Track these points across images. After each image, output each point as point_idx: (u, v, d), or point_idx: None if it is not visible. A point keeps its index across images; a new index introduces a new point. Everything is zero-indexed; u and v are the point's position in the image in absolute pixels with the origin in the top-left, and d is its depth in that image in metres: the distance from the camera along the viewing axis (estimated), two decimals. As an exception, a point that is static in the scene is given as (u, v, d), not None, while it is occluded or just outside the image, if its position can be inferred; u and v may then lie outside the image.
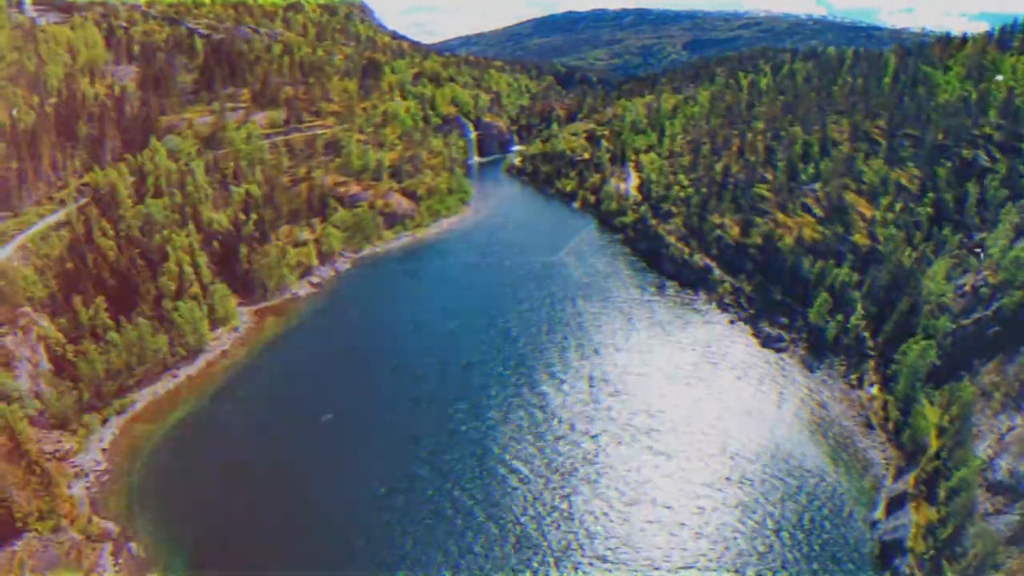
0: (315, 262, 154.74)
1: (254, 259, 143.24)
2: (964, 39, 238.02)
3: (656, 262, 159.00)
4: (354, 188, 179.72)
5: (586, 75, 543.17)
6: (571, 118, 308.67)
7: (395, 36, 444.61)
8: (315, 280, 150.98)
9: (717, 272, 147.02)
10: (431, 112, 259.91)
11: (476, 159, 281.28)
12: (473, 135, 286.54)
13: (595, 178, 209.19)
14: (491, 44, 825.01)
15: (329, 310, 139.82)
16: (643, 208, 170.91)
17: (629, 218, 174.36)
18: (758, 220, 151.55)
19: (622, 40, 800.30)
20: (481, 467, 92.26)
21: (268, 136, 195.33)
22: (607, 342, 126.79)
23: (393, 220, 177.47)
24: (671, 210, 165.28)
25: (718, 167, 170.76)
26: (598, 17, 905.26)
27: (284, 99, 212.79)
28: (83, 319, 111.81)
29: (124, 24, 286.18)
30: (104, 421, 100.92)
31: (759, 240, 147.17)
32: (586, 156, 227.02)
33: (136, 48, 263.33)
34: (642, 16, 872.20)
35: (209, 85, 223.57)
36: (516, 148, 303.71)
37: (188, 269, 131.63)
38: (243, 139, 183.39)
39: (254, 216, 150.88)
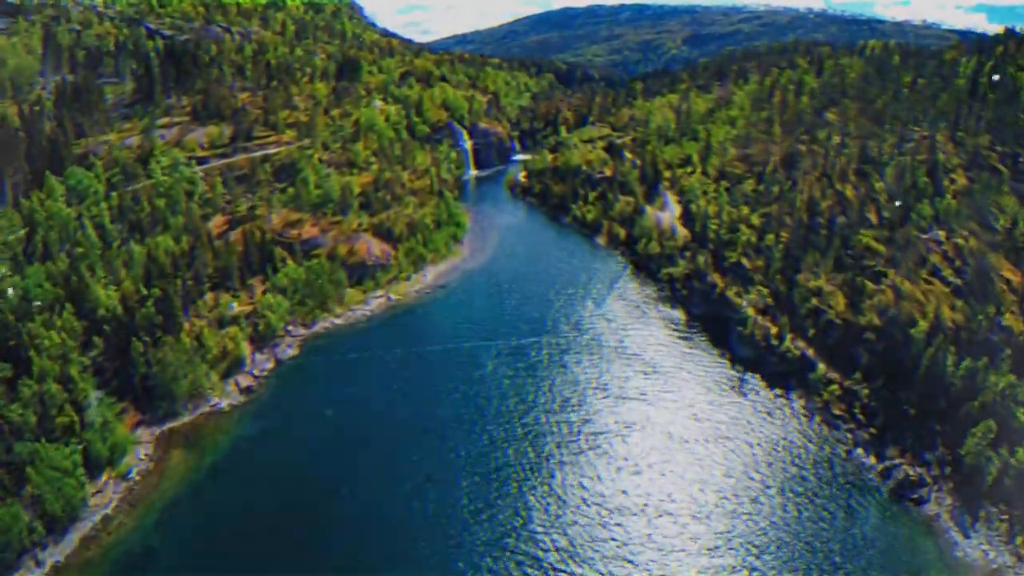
0: (246, 351, 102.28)
1: (154, 357, 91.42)
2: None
3: (724, 338, 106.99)
4: (309, 229, 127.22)
5: (588, 72, 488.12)
6: (581, 121, 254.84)
7: (385, 33, 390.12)
8: (245, 382, 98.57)
9: (821, 367, 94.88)
10: (417, 119, 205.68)
11: (473, 172, 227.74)
12: (468, 144, 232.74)
13: (623, 204, 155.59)
14: (487, 42, 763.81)
15: (261, 437, 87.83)
16: (701, 258, 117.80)
17: (679, 269, 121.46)
18: (869, 286, 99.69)
19: (620, 36, 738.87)
20: None
21: (204, 160, 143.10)
22: (678, 498, 75.58)
23: (361, 273, 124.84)
24: (741, 263, 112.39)
25: (799, 200, 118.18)
26: (595, 13, 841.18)
27: (231, 110, 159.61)
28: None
29: (77, 27, 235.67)
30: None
31: (876, 319, 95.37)
32: (607, 172, 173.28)
33: (81, 54, 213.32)
34: (640, 11, 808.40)
35: (149, 95, 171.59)
36: (519, 157, 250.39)
37: (53, 388, 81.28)
38: (166, 167, 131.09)
39: (156, 291, 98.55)
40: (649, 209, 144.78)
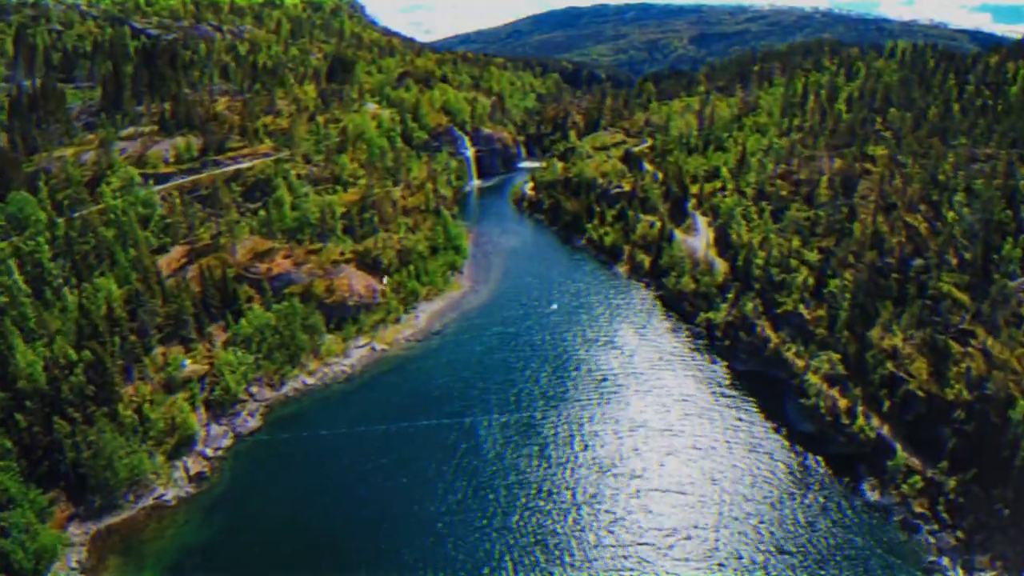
0: (197, 426, 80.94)
1: (84, 438, 71.14)
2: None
3: (777, 404, 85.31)
4: (281, 262, 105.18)
5: (594, 72, 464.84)
6: (592, 126, 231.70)
7: (386, 32, 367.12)
8: (196, 466, 77.51)
9: (900, 454, 73.34)
10: (413, 125, 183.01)
11: (475, 183, 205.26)
12: (471, 151, 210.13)
13: (645, 225, 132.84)
14: (491, 41, 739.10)
15: (212, 544, 67.39)
16: (748, 304, 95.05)
17: (721, 315, 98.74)
18: (954, 348, 77.97)
19: (626, 35, 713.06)
20: None
21: (168, 177, 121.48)
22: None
23: (342, 315, 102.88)
24: (799, 312, 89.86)
25: (860, 232, 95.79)
26: (600, 12, 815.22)
27: (203, 118, 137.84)
28: None
29: (58, 27, 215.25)
30: None
31: (965, 393, 73.78)
32: (626, 187, 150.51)
33: (57, 57, 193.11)
34: (645, 10, 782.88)
35: (117, 102, 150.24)
36: (525, 164, 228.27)
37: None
38: (118, 189, 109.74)
39: (87, 354, 77.49)
40: (678, 234, 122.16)
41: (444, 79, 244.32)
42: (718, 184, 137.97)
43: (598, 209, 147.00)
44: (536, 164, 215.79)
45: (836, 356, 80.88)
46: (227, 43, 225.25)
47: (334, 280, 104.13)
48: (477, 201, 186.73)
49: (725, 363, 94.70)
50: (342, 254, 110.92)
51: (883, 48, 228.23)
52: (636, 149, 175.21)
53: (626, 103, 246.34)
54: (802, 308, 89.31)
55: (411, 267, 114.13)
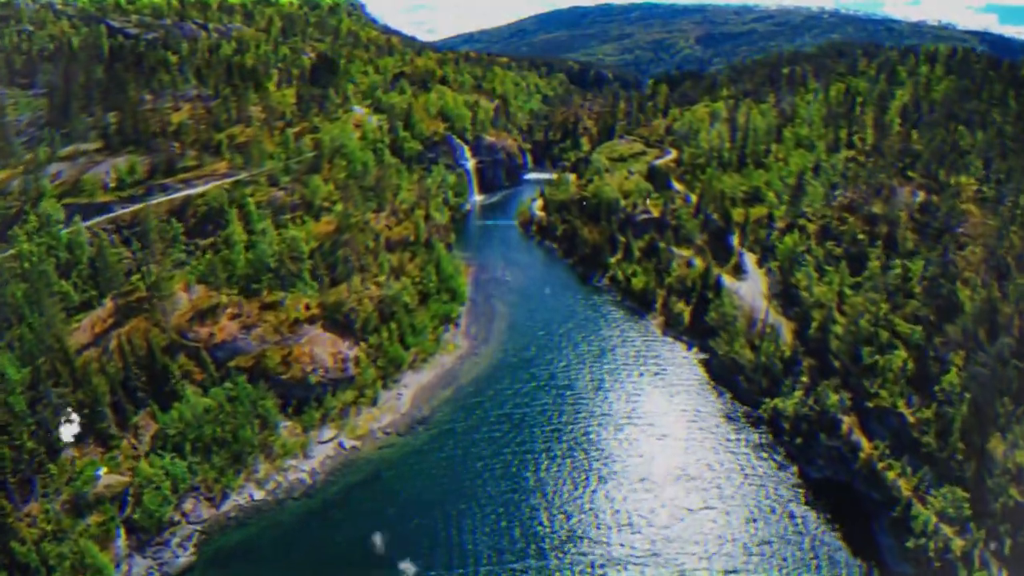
0: (111, 568, 57.69)
1: None
2: None
3: (864, 531, 61.63)
4: (227, 324, 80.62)
5: (602, 72, 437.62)
6: (606, 133, 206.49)
7: (386, 31, 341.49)
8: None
9: None
10: (405, 134, 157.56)
11: (477, 199, 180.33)
12: (471, 163, 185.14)
13: (681, 265, 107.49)
14: (494, 41, 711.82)
15: None
16: (832, 395, 69.78)
17: (791, 404, 73.38)
18: None
19: (631, 35, 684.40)
20: None
21: (107, 208, 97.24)
22: None
23: (304, 394, 78.29)
24: (900, 412, 65.04)
25: (969, 299, 71.12)
26: (605, 11, 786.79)
27: (153, 132, 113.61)
28: None
29: (29, 27, 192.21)
30: None
31: None
32: (654, 212, 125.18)
33: (19, 61, 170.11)
34: (650, 10, 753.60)
35: (65, 112, 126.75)
36: (532, 176, 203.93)
37: None
38: (34, 230, 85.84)
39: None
40: (726, 280, 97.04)
41: (444, 80, 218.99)
42: (763, 210, 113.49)
43: (622, 240, 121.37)
44: (545, 175, 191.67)
45: (962, 494, 56.38)
46: (212, 42, 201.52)
47: (293, 348, 79.70)
48: (478, 223, 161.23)
49: (796, 467, 70.06)
50: (307, 308, 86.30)
51: (918, 50, 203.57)
52: (661, 163, 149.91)
53: (641, 107, 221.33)
54: (902, 405, 64.68)
55: (393, 324, 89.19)
